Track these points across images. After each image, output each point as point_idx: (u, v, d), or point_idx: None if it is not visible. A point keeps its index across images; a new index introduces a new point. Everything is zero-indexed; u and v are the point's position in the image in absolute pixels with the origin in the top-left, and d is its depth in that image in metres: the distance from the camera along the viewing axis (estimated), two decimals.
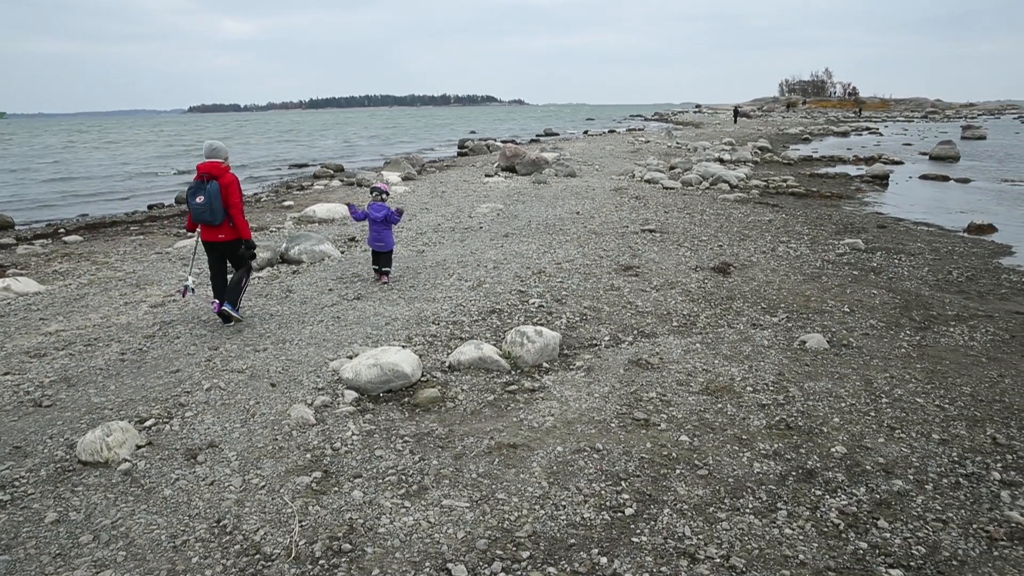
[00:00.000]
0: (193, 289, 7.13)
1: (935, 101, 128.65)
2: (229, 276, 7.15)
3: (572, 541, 3.60)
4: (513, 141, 38.34)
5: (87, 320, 7.49)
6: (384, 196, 8.75)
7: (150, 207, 19.47)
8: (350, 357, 6.04)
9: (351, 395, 5.33)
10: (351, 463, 4.39)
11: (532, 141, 44.21)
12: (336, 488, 4.11)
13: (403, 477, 4.22)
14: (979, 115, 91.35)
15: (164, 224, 15.59)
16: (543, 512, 3.83)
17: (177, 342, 6.64)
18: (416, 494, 4.04)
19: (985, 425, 4.83)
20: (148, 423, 4.89)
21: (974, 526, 3.73)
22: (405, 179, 21.10)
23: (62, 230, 15.44)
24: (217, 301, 7.10)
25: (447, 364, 5.97)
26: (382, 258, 8.70)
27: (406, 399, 5.36)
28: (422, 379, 5.69)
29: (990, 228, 13.66)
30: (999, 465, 4.32)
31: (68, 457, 4.47)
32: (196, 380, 5.65)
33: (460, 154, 34.78)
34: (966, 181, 21.94)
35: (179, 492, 4.07)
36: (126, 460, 4.38)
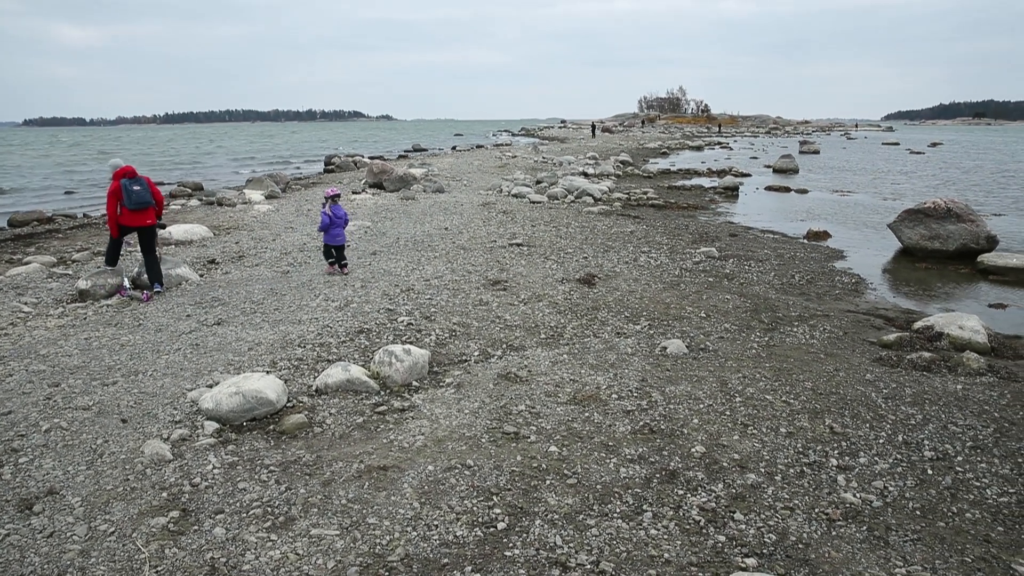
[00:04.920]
0: (128, 287, 8.93)
1: (776, 118, 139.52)
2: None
3: (445, 561, 3.57)
4: (381, 157, 37.91)
5: None
6: (338, 198, 10.12)
7: None
8: (210, 386, 5.72)
9: (212, 426, 5.05)
10: (212, 498, 4.16)
11: (400, 157, 43.86)
12: (196, 527, 3.88)
13: (269, 509, 4.04)
14: (813, 131, 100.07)
15: None
16: (415, 533, 3.79)
17: (9, 381, 6.04)
18: (283, 526, 3.88)
19: (824, 416, 5.25)
20: None
21: (816, 510, 4.05)
22: (268, 197, 20.31)
23: None
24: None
25: (314, 388, 5.79)
26: (340, 252, 10.11)
27: (271, 427, 5.14)
28: (288, 405, 5.49)
29: (825, 234, 14.99)
30: (836, 452, 4.71)
31: None
32: (33, 421, 5.16)
33: (327, 171, 33.91)
34: (804, 191, 23.93)
35: (9, 549, 3.69)
36: None
